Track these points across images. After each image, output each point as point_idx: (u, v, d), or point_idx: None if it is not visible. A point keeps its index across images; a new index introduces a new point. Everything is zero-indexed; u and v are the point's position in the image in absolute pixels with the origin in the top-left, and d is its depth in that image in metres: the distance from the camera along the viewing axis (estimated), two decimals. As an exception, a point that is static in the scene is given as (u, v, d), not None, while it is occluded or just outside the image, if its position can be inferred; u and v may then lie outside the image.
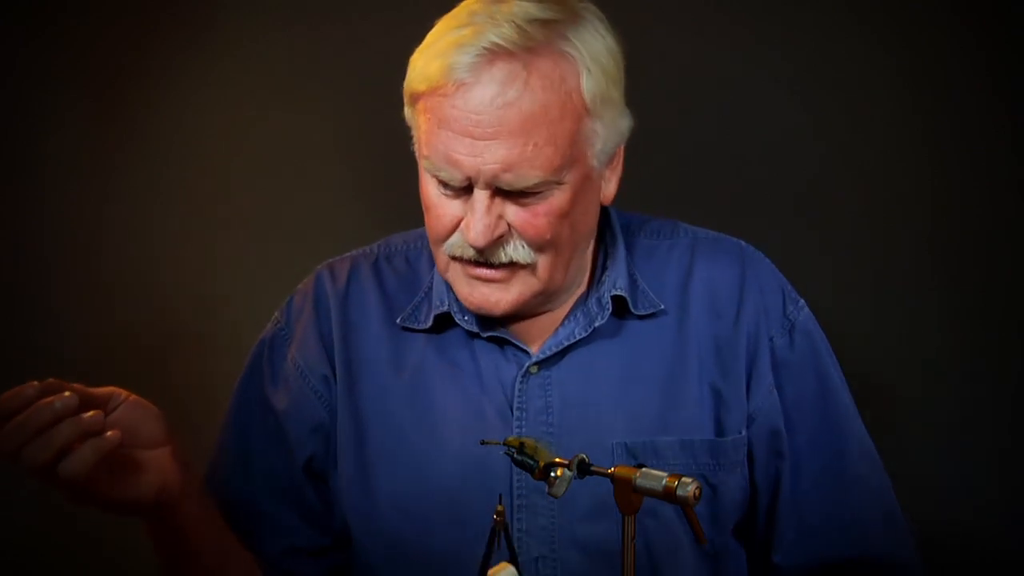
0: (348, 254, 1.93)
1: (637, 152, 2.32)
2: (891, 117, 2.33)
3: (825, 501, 1.83)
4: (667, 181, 2.38)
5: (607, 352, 1.81)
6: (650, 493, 1.44)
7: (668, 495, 1.43)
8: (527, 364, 1.80)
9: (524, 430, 1.78)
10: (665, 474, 1.44)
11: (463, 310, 1.81)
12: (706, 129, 2.37)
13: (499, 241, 1.71)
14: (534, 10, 1.68)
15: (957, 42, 2.30)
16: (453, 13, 1.72)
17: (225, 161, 2.48)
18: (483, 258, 1.73)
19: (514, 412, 1.78)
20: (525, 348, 1.81)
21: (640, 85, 2.39)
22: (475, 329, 1.81)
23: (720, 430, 1.80)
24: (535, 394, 1.79)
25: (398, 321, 1.84)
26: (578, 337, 1.80)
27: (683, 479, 1.43)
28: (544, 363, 1.80)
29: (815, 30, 2.34)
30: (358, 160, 2.45)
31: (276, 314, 1.91)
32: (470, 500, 1.75)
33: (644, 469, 1.45)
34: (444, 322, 1.83)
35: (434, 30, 1.73)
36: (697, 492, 1.43)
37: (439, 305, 1.82)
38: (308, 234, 2.46)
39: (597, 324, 1.80)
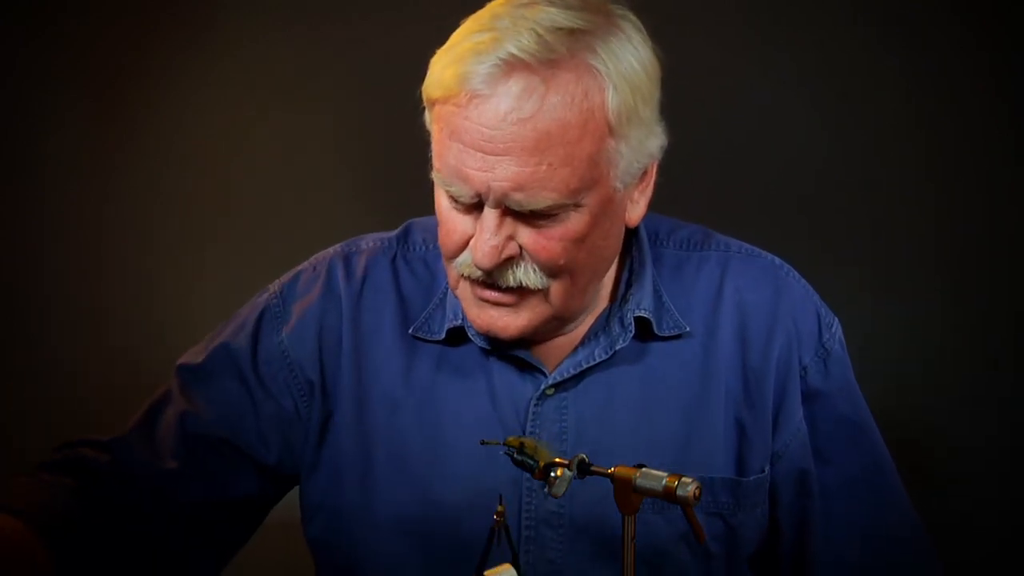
0: (365, 243, 1.80)
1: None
2: (894, 118, 2.33)
3: (859, 532, 1.75)
4: (668, 181, 2.38)
5: (627, 376, 1.70)
6: (650, 493, 1.44)
7: (668, 495, 1.43)
8: (543, 386, 1.69)
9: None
10: (665, 474, 1.44)
11: None
12: (709, 129, 2.37)
13: (507, 263, 1.60)
14: (561, 18, 1.56)
15: (959, 44, 2.30)
16: (478, 15, 1.60)
17: (225, 161, 2.48)
18: (490, 280, 1.62)
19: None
20: (542, 368, 1.70)
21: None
22: (488, 347, 1.70)
23: (742, 468, 1.71)
24: (550, 418, 1.69)
25: (410, 331, 1.73)
26: (598, 360, 1.69)
27: (683, 479, 1.43)
28: (561, 385, 1.70)
29: (819, 32, 2.34)
30: (358, 160, 2.45)
31: (275, 286, 1.80)
32: (475, 532, 1.63)
33: (644, 469, 1.45)
34: (459, 334, 1.71)
35: (458, 31, 1.60)
36: (697, 492, 1.43)
37: (452, 319, 1.71)
38: (308, 233, 2.45)
39: (619, 347, 1.69)
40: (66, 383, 2.50)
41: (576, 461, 1.50)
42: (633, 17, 1.62)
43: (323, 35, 2.44)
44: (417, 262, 1.77)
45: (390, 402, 1.71)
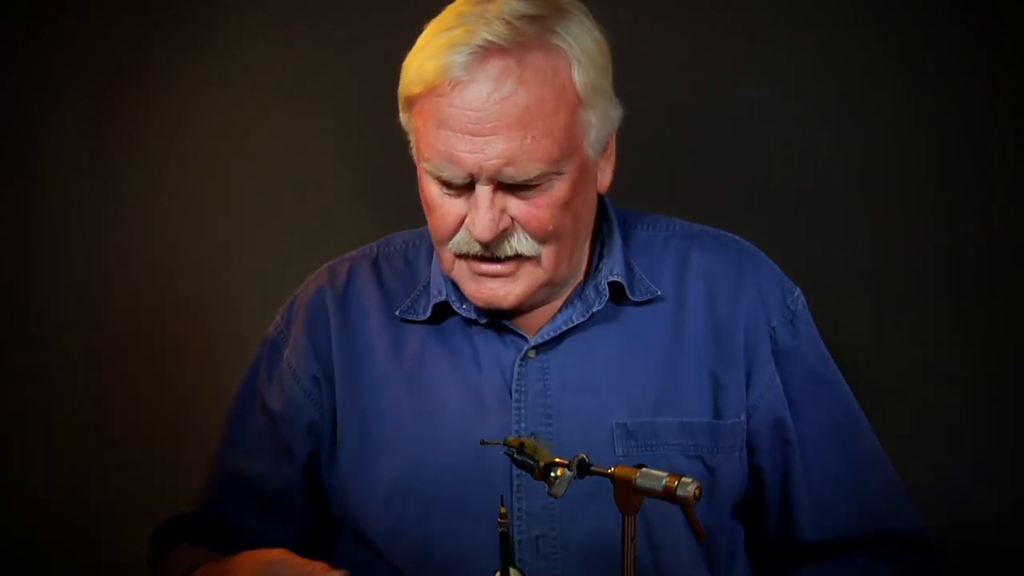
0: (348, 254, 1.96)
1: (639, 150, 2.32)
2: (892, 117, 2.33)
3: (839, 480, 1.86)
4: (669, 180, 2.38)
5: (605, 337, 1.84)
6: (650, 493, 1.45)
7: (668, 495, 1.43)
8: (525, 348, 1.83)
9: (523, 412, 1.81)
10: (665, 474, 1.44)
11: (461, 298, 1.84)
12: (708, 128, 2.37)
13: (504, 235, 1.75)
14: (522, 7, 1.73)
15: (958, 43, 2.30)
16: (441, 17, 1.77)
17: (225, 161, 2.48)
18: (489, 253, 1.76)
19: (513, 395, 1.81)
20: (523, 334, 1.84)
21: (643, 84, 2.39)
22: (473, 316, 1.84)
23: (718, 414, 1.83)
24: (534, 377, 1.82)
25: (397, 313, 1.88)
26: (576, 322, 1.83)
27: (683, 479, 1.43)
28: (542, 348, 1.83)
29: (817, 30, 2.34)
30: (358, 160, 2.45)
31: (277, 316, 1.95)
32: (469, 483, 1.79)
33: (644, 469, 1.46)
34: (442, 313, 1.87)
35: (423, 34, 1.77)
36: (697, 492, 1.43)
37: (437, 295, 1.86)
38: (308, 234, 2.46)
39: (595, 309, 1.83)
40: (66, 383, 2.50)
41: (576, 461, 1.51)
42: (578, 3, 1.80)
43: (323, 35, 2.44)
44: (397, 258, 1.94)
45: (381, 381, 1.86)
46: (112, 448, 2.51)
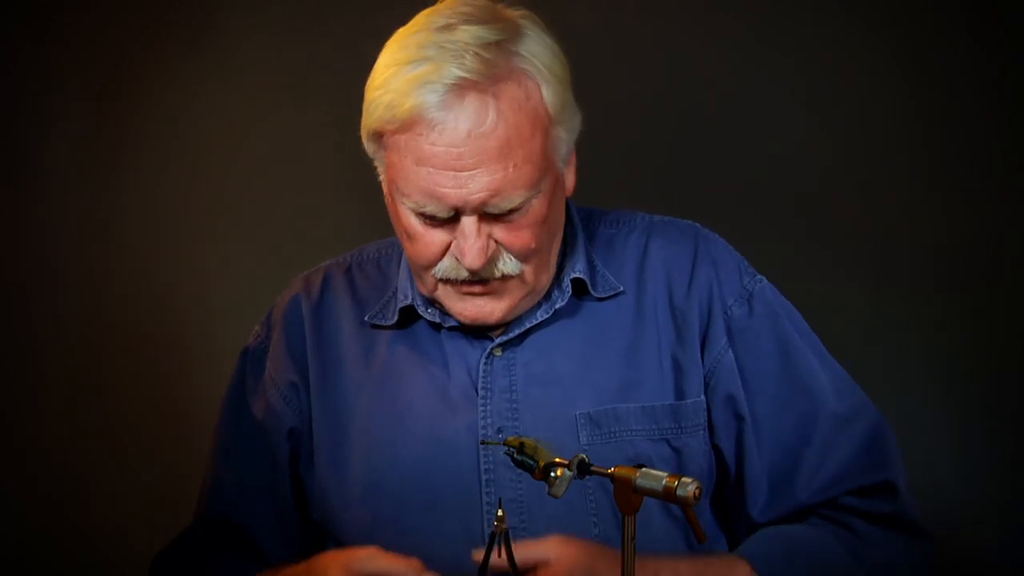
0: (323, 263, 1.98)
1: (640, 152, 2.33)
2: (892, 119, 2.33)
3: (795, 463, 1.85)
4: (669, 182, 2.38)
5: (569, 331, 1.86)
6: (650, 493, 1.44)
7: (668, 495, 1.43)
8: (490, 347, 1.85)
9: (489, 407, 1.83)
10: (665, 474, 1.44)
11: (426, 302, 1.86)
12: (709, 130, 2.37)
13: (491, 260, 1.76)
14: (484, 33, 1.72)
15: (960, 44, 2.30)
16: (401, 45, 1.74)
17: (224, 161, 2.48)
18: (476, 277, 1.78)
19: (479, 392, 1.84)
20: (488, 334, 1.86)
21: (643, 85, 2.39)
22: (438, 320, 1.86)
23: (681, 396, 1.84)
24: (499, 374, 1.85)
25: (366, 319, 1.90)
26: (540, 319, 1.85)
27: (683, 479, 1.43)
28: (507, 345, 1.85)
29: (818, 31, 2.34)
30: (358, 160, 2.45)
31: (256, 327, 1.97)
32: (440, 479, 1.81)
33: (644, 469, 1.45)
34: (410, 317, 1.89)
35: (384, 64, 1.74)
36: (697, 492, 1.43)
37: (403, 300, 1.88)
38: (307, 234, 2.46)
39: (558, 306, 1.85)
40: (66, 384, 2.50)
41: (576, 461, 1.50)
42: (530, 14, 1.78)
43: (323, 35, 2.44)
44: (370, 266, 1.97)
45: (353, 385, 1.89)
46: (112, 447, 2.51)
